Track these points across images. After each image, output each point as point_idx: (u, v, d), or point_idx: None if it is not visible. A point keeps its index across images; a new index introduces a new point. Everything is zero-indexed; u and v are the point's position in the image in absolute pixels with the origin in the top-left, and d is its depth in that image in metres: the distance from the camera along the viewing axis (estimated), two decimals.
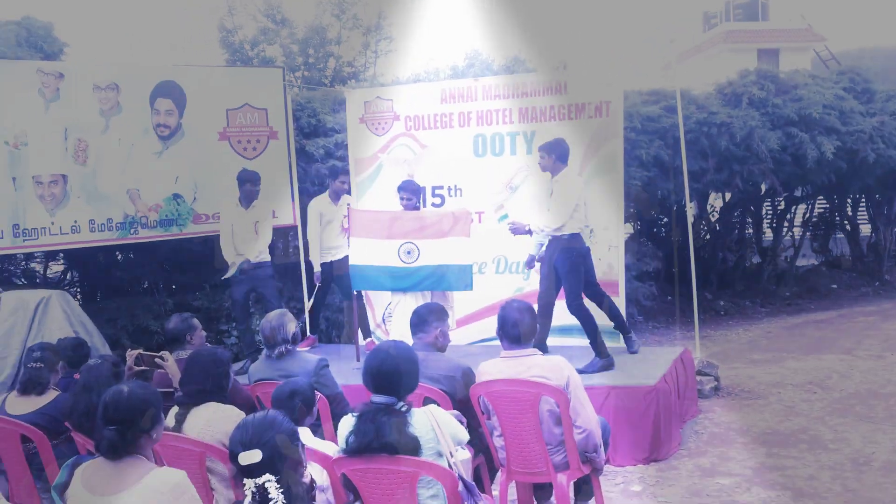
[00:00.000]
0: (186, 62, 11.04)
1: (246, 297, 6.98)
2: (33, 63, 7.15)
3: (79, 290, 9.32)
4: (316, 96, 9.97)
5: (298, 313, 7.32)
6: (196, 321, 4.81)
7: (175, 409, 3.58)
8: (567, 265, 5.92)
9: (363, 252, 6.32)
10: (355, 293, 6.83)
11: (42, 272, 9.17)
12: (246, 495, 2.24)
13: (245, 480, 2.25)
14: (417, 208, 6.60)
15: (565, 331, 6.52)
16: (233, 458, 2.31)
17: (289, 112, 8.02)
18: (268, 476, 2.24)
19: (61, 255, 8.83)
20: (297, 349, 4.50)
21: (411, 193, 6.58)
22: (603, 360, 5.96)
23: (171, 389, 4.04)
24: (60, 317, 6.60)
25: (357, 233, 6.35)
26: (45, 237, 6.80)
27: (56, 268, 9.54)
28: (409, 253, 6.20)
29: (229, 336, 8.38)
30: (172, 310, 7.94)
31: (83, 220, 6.97)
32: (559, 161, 5.96)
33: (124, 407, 2.63)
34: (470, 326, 7.17)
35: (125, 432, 2.60)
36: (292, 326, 4.40)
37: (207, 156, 7.60)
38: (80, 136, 6.94)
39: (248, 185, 6.86)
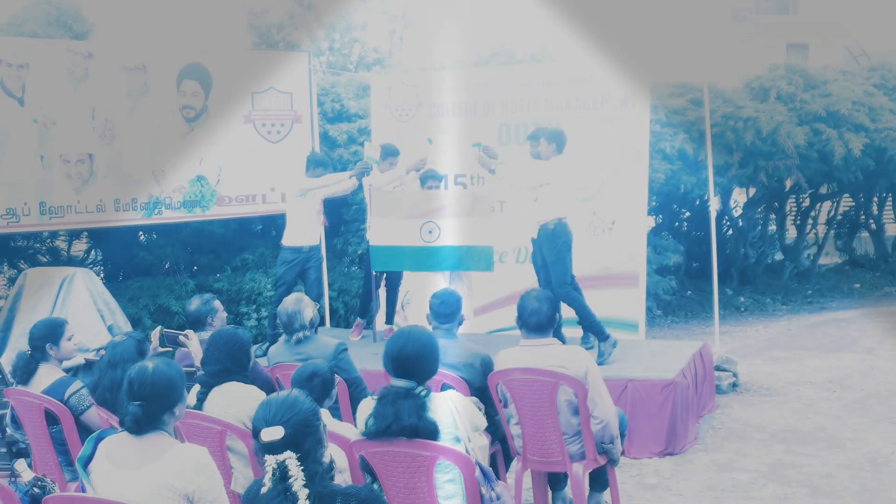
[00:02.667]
0: (213, 44, 11.09)
1: (296, 279, 6.82)
2: (63, 42, 7.23)
3: (102, 268, 9.43)
4: (340, 81, 10.00)
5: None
6: (217, 303, 4.85)
7: (197, 388, 3.63)
8: (553, 253, 5.89)
9: (384, 232, 6.33)
10: (374, 275, 6.85)
11: (66, 250, 9.29)
12: (266, 472, 2.27)
13: (266, 457, 2.28)
14: None
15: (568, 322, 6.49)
16: (255, 434, 2.35)
17: (313, 97, 8.05)
18: (289, 453, 2.27)
19: (85, 233, 8.94)
20: (319, 335, 4.53)
21: (437, 182, 6.63)
22: (607, 342, 5.90)
23: (193, 368, 4.09)
24: (84, 295, 6.70)
25: (378, 213, 6.38)
26: (70, 215, 6.87)
27: (80, 246, 9.66)
28: (430, 232, 6.22)
29: (249, 318, 8.45)
30: (193, 291, 8.02)
31: (108, 200, 7.04)
32: (557, 151, 5.92)
33: (149, 383, 2.67)
34: (489, 315, 7.19)
35: (149, 408, 2.64)
36: (309, 312, 4.42)
37: (232, 138, 7.64)
38: (108, 116, 7.00)
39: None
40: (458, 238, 6.18)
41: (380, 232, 6.36)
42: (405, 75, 8.50)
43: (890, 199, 13.71)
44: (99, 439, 2.74)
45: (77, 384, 3.97)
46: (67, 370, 4.40)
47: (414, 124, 7.68)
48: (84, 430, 3.84)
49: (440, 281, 6.17)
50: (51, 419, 3.88)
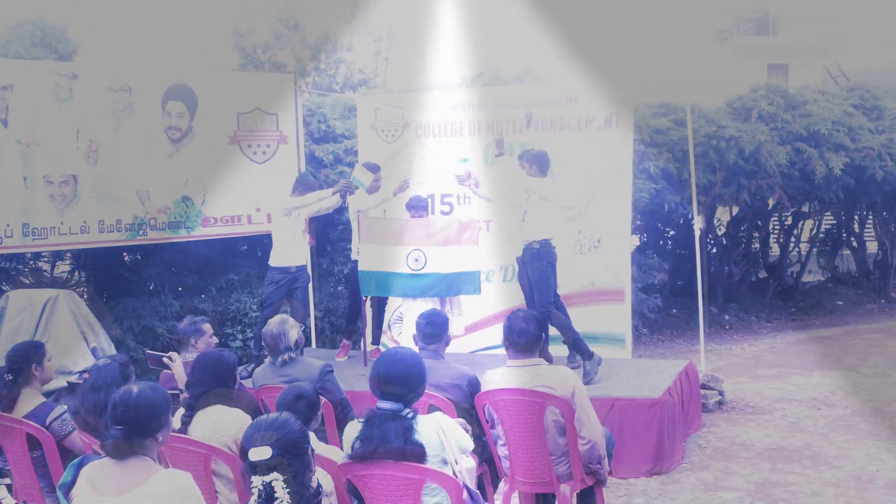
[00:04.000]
0: (199, 65, 11.10)
1: (283, 300, 6.75)
2: (47, 63, 7.21)
3: (85, 290, 9.35)
4: (326, 102, 10.02)
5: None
6: (206, 326, 4.82)
7: (181, 411, 3.59)
8: (538, 272, 5.93)
9: (372, 258, 6.35)
10: (364, 299, 6.83)
11: (50, 271, 9.21)
12: (252, 493, 2.25)
13: (253, 478, 2.26)
14: None
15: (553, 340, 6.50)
16: (243, 454, 2.33)
17: (299, 117, 8.06)
18: (275, 475, 2.25)
19: (69, 254, 8.86)
20: (304, 357, 4.51)
21: (421, 210, 6.65)
22: (592, 360, 5.92)
23: (177, 391, 4.06)
24: (67, 317, 6.63)
25: (366, 239, 6.38)
26: (54, 237, 6.81)
27: (63, 267, 9.58)
28: (416, 260, 6.23)
29: (234, 339, 8.40)
30: (178, 312, 7.96)
31: (93, 221, 7.00)
32: (540, 173, 5.99)
33: (132, 407, 2.63)
34: (476, 334, 7.17)
35: (131, 433, 2.60)
36: (294, 333, 4.41)
37: (217, 159, 7.62)
38: (92, 137, 6.97)
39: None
40: (446, 266, 6.19)
41: (368, 257, 6.37)
42: (391, 96, 8.54)
43: (870, 216, 13.87)
44: (80, 465, 2.71)
45: (60, 409, 3.93)
46: (49, 393, 4.36)
47: (400, 144, 7.71)
48: (66, 455, 3.79)
49: (429, 301, 6.17)
50: (32, 444, 3.83)
